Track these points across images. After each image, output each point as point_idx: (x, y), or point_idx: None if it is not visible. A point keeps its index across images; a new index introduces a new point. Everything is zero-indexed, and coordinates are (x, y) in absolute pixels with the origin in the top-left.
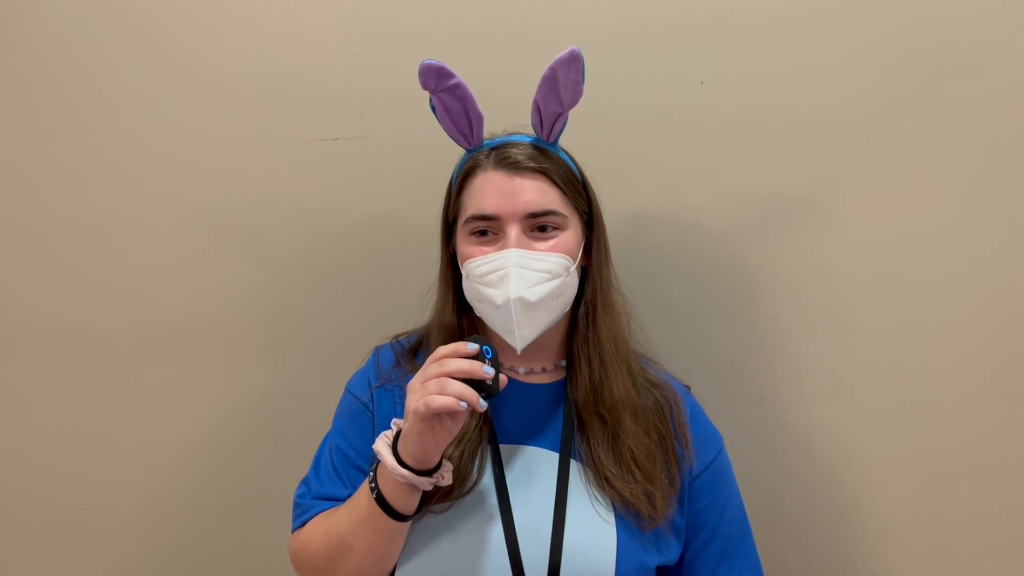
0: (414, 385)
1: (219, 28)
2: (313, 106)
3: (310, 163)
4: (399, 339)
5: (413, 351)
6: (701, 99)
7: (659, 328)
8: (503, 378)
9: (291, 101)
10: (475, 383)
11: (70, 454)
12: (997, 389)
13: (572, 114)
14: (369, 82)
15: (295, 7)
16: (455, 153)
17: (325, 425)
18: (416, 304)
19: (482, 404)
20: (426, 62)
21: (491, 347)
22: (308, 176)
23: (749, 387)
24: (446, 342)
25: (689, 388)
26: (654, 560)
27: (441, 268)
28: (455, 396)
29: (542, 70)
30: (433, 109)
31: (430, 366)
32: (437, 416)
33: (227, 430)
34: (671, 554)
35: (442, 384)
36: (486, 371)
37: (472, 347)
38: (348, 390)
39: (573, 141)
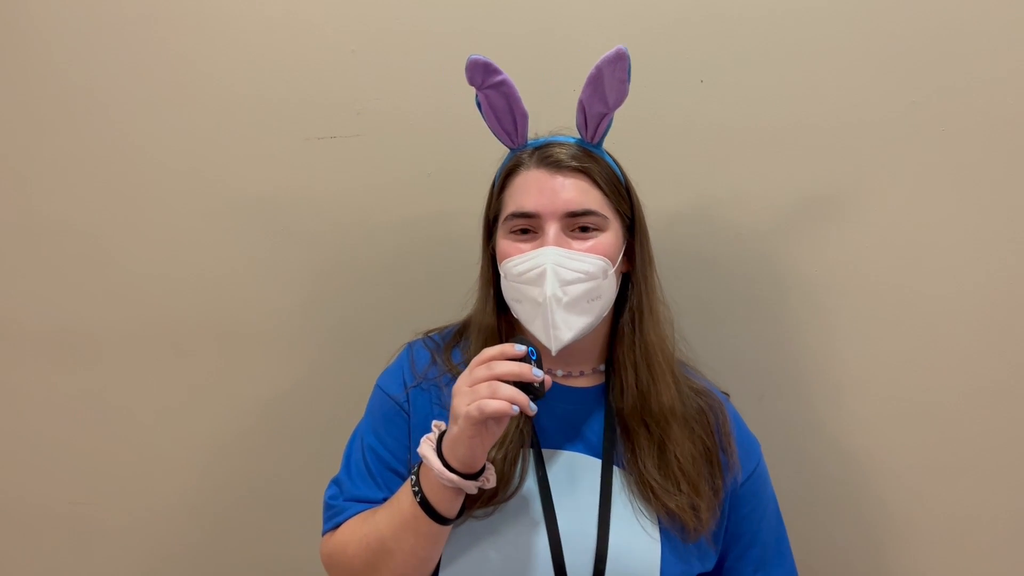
0: (461, 388)
1: (216, 26)
2: (311, 104)
3: (308, 161)
4: (431, 335)
5: (449, 348)
6: (701, 98)
7: None
8: (548, 379)
9: (288, 99)
10: (523, 385)
11: (65, 455)
12: (998, 387)
13: (569, 110)
14: (367, 80)
15: (292, 5)
16: (454, 151)
17: (322, 426)
18: (415, 301)
19: (532, 408)
20: (473, 57)
21: (536, 349)
22: (306, 174)
23: (747, 386)
24: (486, 343)
25: (728, 395)
26: (696, 570)
27: (482, 268)
28: (507, 400)
29: (539, 69)
30: (479, 106)
31: (477, 368)
32: (488, 420)
33: (224, 431)
34: (710, 563)
35: (493, 388)
36: (536, 373)
37: (520, 349)
38: (380, 388)
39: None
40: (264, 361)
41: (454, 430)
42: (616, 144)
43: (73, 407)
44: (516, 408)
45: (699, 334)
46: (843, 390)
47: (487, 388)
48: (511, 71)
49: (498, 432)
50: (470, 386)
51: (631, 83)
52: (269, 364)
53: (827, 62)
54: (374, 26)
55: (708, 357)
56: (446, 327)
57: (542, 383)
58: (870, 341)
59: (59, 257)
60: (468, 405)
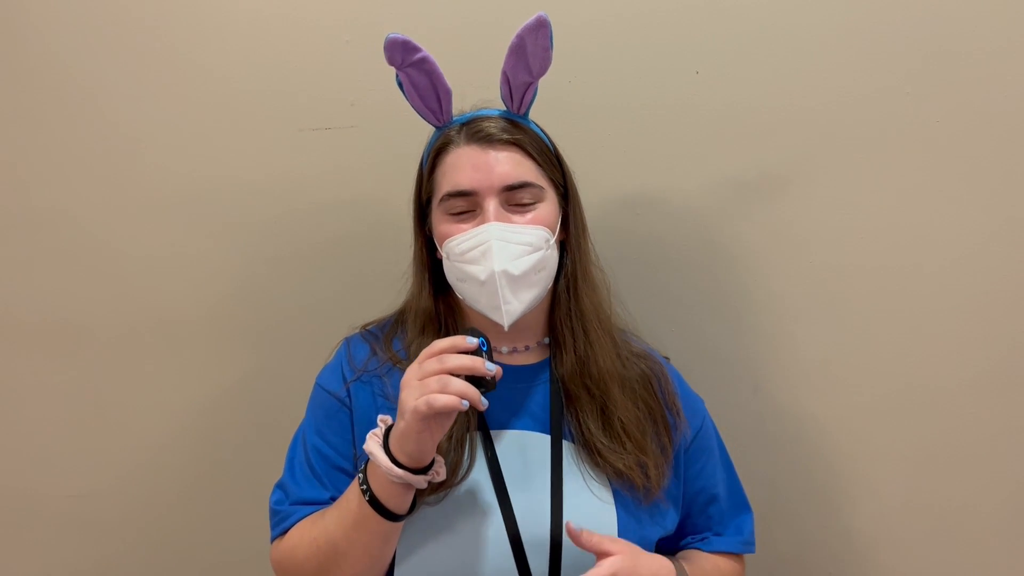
0: (410, 381)
1: (209, 16)
2: (305, 95)
3: (302, 153)
4: (369, 328)
5: (388, 338)
6: (696, 88)
7: (653, 318)
8: (498, 371)
9: (282, 90)
10: (474, 379)
11: (61, 448)
12: (991, 377)
13: (566, 102)
14: (361, 71)
15: None
16: None
17: None
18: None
19: (484, 402)
20: (391, 36)
21: (486, 339)
22: (300, 166)
23: (743, 377)
24: (424, 327)
25: (668, 358)
26: (655, 533)
27: (415, 251)
28: (458, 395)
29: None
30: (400, 86)
31: (428, 361)
32: (436, 414)
33: (220, 421)
34: (670, 524)
35: (443, 382)
36: (488, 367)
37: (472, 342)
38: (320, 385)
39: (565, 126)
40: (264, 353)
41: (401, 425)
42: (614, 134)
43: (68, 400)
44: (466, 403)
45: (695, 324)
46: (838, 382)
47: (437, 382)
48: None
49: (447, 425)
50: (420, 379)
51: (630, 73)
52: (270, 356)
53: (823, 53)
54: (368, 16)
55: (702, 347)
56: (384, 319)
57: (493, 376)
58: (867, 333)
59: (53, 249)
60: (416, 400)
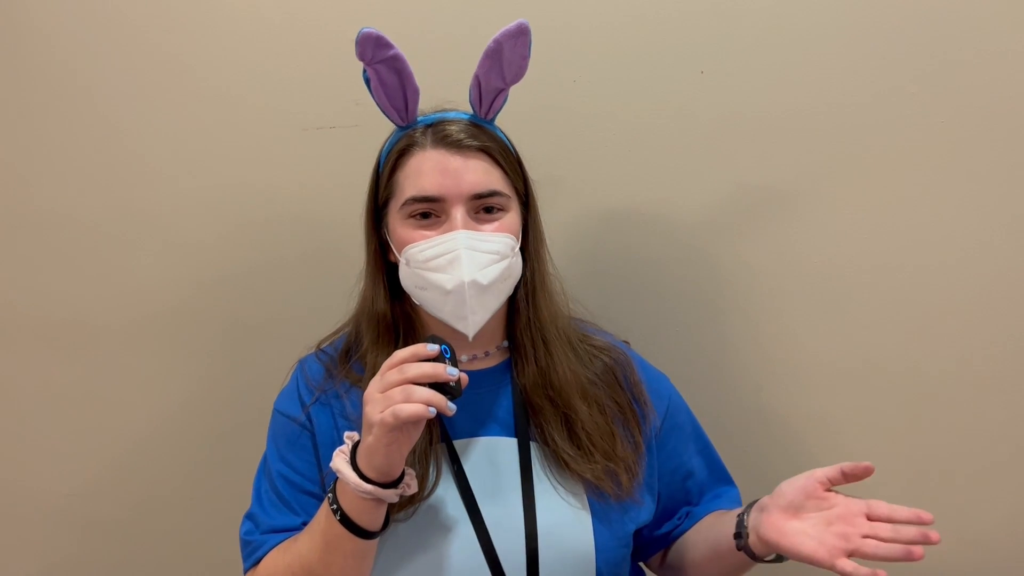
0: (372, 395)
1: (214, 14)
2: (309, 94)
3: (306, 152)
4: (323, 347)
5: (345, 354)
6: (701, 89)
7: (656, 319)
8: (463, 376)
9: (286, 89)
10: (438, 386)
11: (59, 444)
12: (995, 377)
13: (569, 105)
14: None
15: None
16: None
17: None
18: None
19: (451, 407)
20: (364, 30)
21: (449, 346)
22: (304, 165)
23: (746, 378)
24: (379, 334)
25: (628, 343)
26: (631, 527)
27: (368, 256)
28: (423, 402)
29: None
30: (367, 83)
31: (389, 373)
32: (403, 425)
33: (221, 420)
34: (645, 515)
35: (407, 392)
36: (450, 373)
37: (433, 348)
38: (278, 411)
39: (570, 128)
40: (264, 352)
41: (369, 439)
42: (619, 135)
43: (68, 398)
44: (432, 410)
45: (699, 324)
46: (841, 382)
47: (401, 393)
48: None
49: (415, 436)
50: (382, 392)
51: (635, 74)
52: (272, 356)
53: (828, 53)
54: (373, 15)
55: (706, 348)
56: (336, 335)
57: (458, 381)
58: (870, 333)
59: (54, 248)
60: (382, 412)
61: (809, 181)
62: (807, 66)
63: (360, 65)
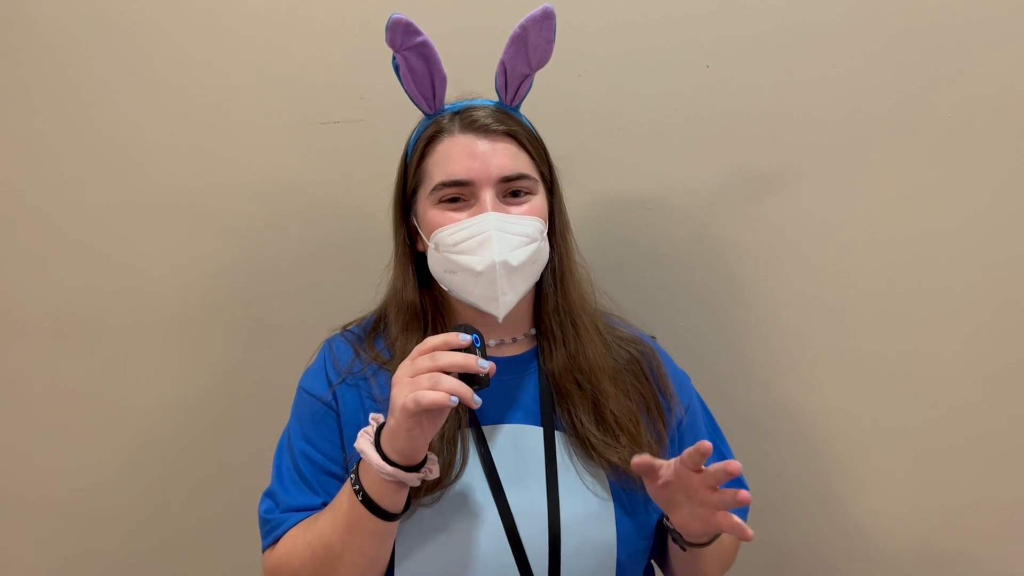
0: (401, 379)
1: (218, 10)
2: (314, 89)
3: (311, 147)
4: (350, 328)
5: (371, 338)
6: (706, 83)
7: (664, 313)
8: (492, 366)
9: (291, 84)
10: (467, 376)
11: (64, 441)
12: (998, 374)
13: (575, 97)
14: (371, 64)
15: None
16: None
17: None
18: None
19: (476, 400)
20: (395, 16)
21: (480, 336)
22: (309, 160)
23: (752, 374)
24: (407, 322)
25: (654, 337)
26: (655, 515)
27: (397, 244)
28: (448, 392)
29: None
30: (396, 69)
31: (420, 359)
32: (426, 411)
33: (226, 417)
34: None
35: (435, 380)
36: (481, 364)
37: (465, 338)
38: (304, 389)
39: (575, 123)
40: (267, 348)
41: (391, 422)
42: (624, 127)
43: (74, 395)
44: (455, 400)
45: (705, 321)
46: (846, 378)
47: (428, 380)
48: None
49: (439, 423)
50: (411, 376)
51: (637, 67)
52: (279, 353)
53: (835, 48)
54: (378, 9)
55: (714, 343)
56: (364, 318)
57: (488, 373)
58: (875, 329)
59: (59, 245)
60: (406, 396)
61: (814, 177)
62: (814, 62)
63: (369, 58)
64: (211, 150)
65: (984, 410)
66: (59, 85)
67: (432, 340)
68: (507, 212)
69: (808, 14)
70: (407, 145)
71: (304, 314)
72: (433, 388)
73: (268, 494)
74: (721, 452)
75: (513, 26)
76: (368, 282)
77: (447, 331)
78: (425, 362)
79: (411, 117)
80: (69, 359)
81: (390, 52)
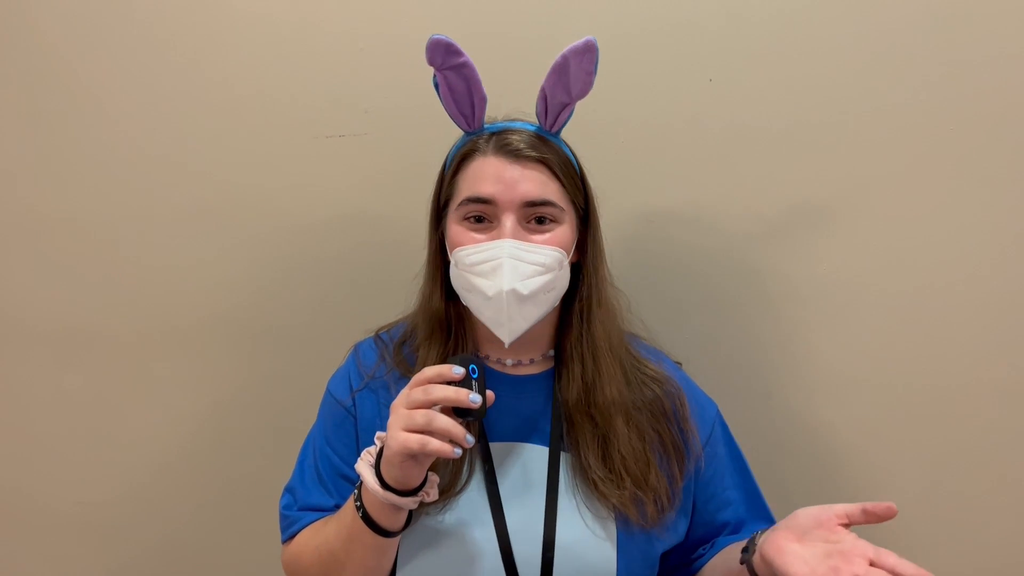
0: (397, 408)
1: (224, 23)
2: (319, 102)
3: (316, 160)
4: (381, 333)
5: (400, 344)
6: (709, 97)
7: (665, 325)
8: (491, 396)
9: (296, 97)
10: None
11: (69, 453)
12: (1006, 387)
13: (578, 108)
14: (375, 78)
15: (300, 2)
16: None
17: None
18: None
19: (468, 440)
20: (435, 37)
21: (478, 365)
22: (314, 173)
23: (756, 384)
24: (432, 331)
25: (680, 364)
26: (659, 548)
27: (429, 254)
28: (442, 433)
29: (546, 59)
30: (436, 88)
31: (414, 391)
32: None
33: (230, 427)
34: (676, 536)
35: (429, 418)
36: (472, 400)
37: (459, 371)
38: (329, 392)
39: (578, 136)
40: (271, 359)
41: (387, 452)
42: (627, 141)
43: (79, 406)
44: (458, 451)
45: (708, 331)
46: (851, 389)
47: (423, 417)
48: (524, 61)
49: (433, 458)
50: (406, 408)
51: (639, 80)
52: (282, 363)
53: (837, 61)
54: (383, 23)
55: (716, 354)
56: (398, 322)
57: (482, 404)
58: (880, 340)
59: (65, 255)
60: (400, 431)
61: (818, 188)
62: (817, 75)
63: (373, 73)
64: (216, 162)
65: (989, 425)
66: (71, 97)
67: (427, 372)
68: (527, 239)
69: (812, 27)
70: (445, 158)
71: (311, 325)
72: (427, 426)
73: (289, 488)
74: (747, 488)
75: (558, 45)
76: (376, 291)
77: (468, 344)
78: (419, 395)
79: (415, 130)
80: (74, 370)
81: (395, 66)
